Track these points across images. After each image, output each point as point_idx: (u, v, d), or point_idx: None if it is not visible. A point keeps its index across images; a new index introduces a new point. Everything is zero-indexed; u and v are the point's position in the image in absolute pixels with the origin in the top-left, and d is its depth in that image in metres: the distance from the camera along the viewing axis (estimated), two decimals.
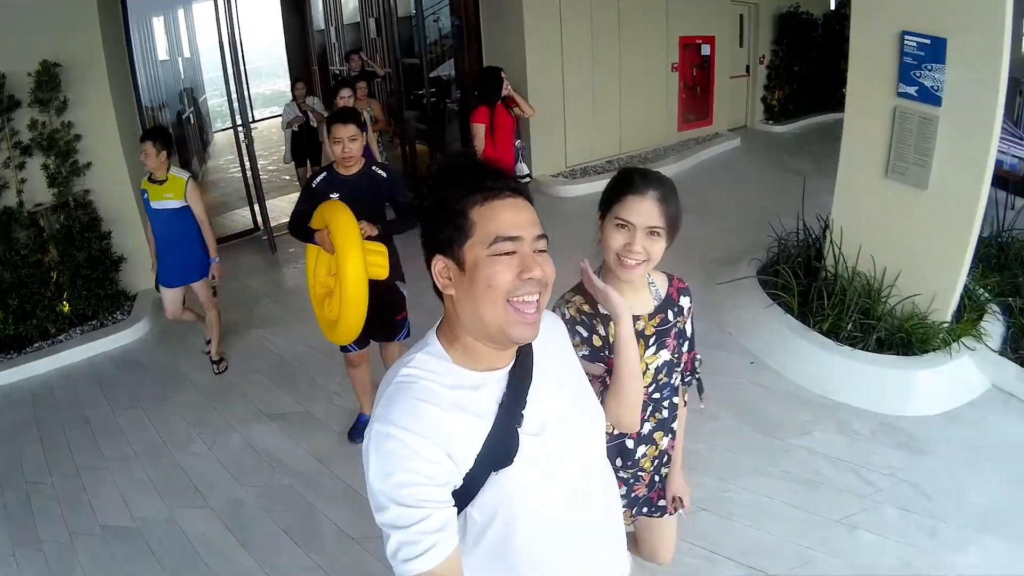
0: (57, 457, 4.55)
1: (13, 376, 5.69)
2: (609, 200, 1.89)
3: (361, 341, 3.93)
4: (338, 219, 3.42)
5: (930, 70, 3.97)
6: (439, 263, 1.29)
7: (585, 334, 1.92)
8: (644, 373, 1.97)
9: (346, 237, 3.36)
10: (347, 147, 3.69)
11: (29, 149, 6.12)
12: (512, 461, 1.29)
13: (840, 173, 4.72)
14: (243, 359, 5.55)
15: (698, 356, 2.20)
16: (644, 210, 1.81)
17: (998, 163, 6.25)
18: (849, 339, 4.36)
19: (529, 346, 1.37)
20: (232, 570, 3.42)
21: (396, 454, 1.16)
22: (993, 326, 4.33)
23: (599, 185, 7.48)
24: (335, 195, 3.70)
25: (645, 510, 2.26)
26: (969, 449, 3.81)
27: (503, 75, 5.99)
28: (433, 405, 1.22)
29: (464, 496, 1.25)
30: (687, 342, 2.11)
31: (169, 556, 3.55)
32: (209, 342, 5.35)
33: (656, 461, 2.17)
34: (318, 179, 3.82)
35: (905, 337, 4.27)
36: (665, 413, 2.09)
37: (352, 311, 3.41)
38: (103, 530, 3.78)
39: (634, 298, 1.95)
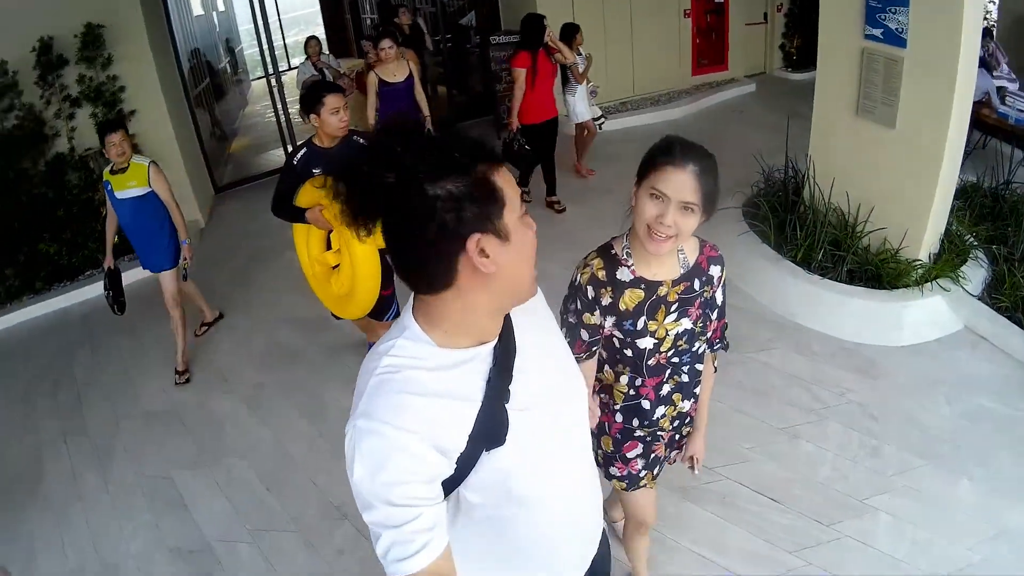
0: (106, 361, 5.24)
1: (68, 301, 6.44)
2: (646, 168, 1.81)
3: None
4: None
5: (894, 13, 4.08)
6: (475, 241, 1.13)
7: (591, 296, 1.94)
8: (664, 339, 1.98)
9: None
10: (343, 116, 3.61)
11: (78, 101, 6.74)
12: (504, 440, 1.27)
13: (815, 112, 4.92)
14: (273, 277, 6.15)
15: (725, 323, 2.16)
16: (680, 182, 1.73)
17: (1003, 116, 6.36)
18: (820, 269, 4.56)
19: (508, 318, 1.33)
20: (251, 439, 4.14)
21: (383, 452, 1.12)
22: (975, 271, 4.39)
23: (611, 124, 7.62)
24: (317, 170, 3.60)
25: (666, 466, 2.35)
26: (928, 381, 3.91)
27: (545, 23, 5.94)
28: (419, 396, 1.18)
29: (457, 478, 1.23)
30: (716, 310, 2.05)
31: (199, 430, 4.27)
32: (204, 325, 5.36)
33: (676, 421, 2.20)
34: (299, 156, 3.71)
35: (874, 270, 4.39)
36: (685, 378, 2.09)
37: (368, 283, 3.46)
38: (144, 415, 4.47)
39: (658, 266, 1.92)
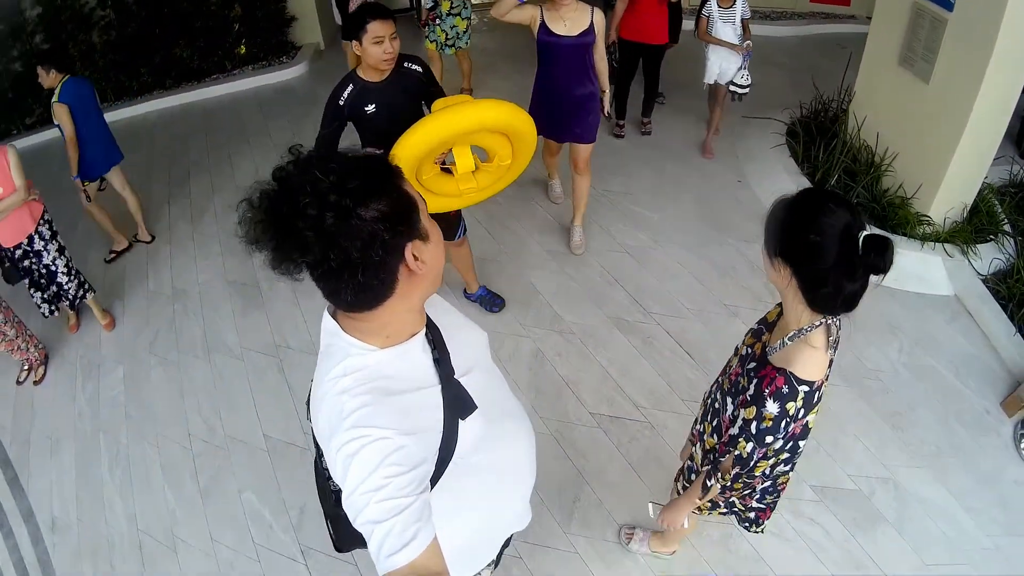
0: (215, 146, 6.43)
1: (192, 98, 7.64)
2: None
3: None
4: (458, 116, 2.90)
5: None
6: (410, 250, 1.22)
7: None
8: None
9: (481, 110, 2.94)
10: (388, 47, 3.08)
11: None
12: (475, 405, 1.41)
13: (865, 52, 5.12)
14: None
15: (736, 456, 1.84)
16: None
17: None
18: None
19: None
20: None
21: (380, 453, 1.18)
22: (991, 252, 4.41)
23: None
24: (370, 107, 3.18)
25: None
26: (889, 325, 3.99)
27: None
28: (393, 396, 1.27)
29: (448, 452, 1.36)
30: (738, 425, 1.81)
31: None
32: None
33: (700, 441, 2.21)
34: (345, 94, 3.19)
35: (880, 211, 4.57)
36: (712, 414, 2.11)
37: (532, 135, 3.11)
38: (236, 188, 5.62)
39: (776, 332, 1.82)
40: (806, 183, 4.98)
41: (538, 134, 3.26)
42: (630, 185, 5.36)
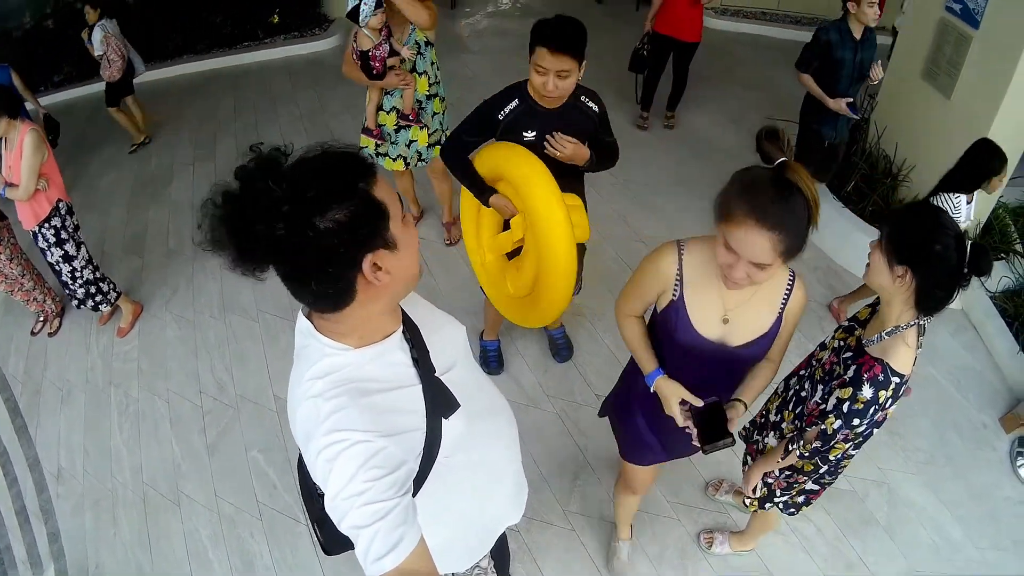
0: (242, 111, 6.51)
1: (223, 64, 7.72)
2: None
3: None
4: (529, 171, 2.60)
5: None
6: (369, 261, 1.15)
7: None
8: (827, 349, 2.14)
9: (545, 194, 2.55)
10: (551, 84, 2.54)
11: None
12: (458, 403, 1.38)
13: (891, 62, 5.14)
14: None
15: (825, 440, 1.93)
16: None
17: None
18: (846, 198, 4.91)
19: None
20: None
21: (360, 456, 1.15)
22: (1001, 270, 4.40)
23: (745, 27, 8.06)
24: (530, 133, 2.69)
25: None
26: None
27: None
28: (371, 396, 1.24)
29: (430, 450, 1.33)
30: (839, 424, 1.86)
31: None
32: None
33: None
34: (508, 108, 2.69)
35: None
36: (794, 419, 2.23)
37: (562, 290, 2.69)
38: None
39: (871, 325, 1.97)
40: (822, 187, 4.98)
41: (630, 459, 2.44)
42: (650, 176, 5.40)
